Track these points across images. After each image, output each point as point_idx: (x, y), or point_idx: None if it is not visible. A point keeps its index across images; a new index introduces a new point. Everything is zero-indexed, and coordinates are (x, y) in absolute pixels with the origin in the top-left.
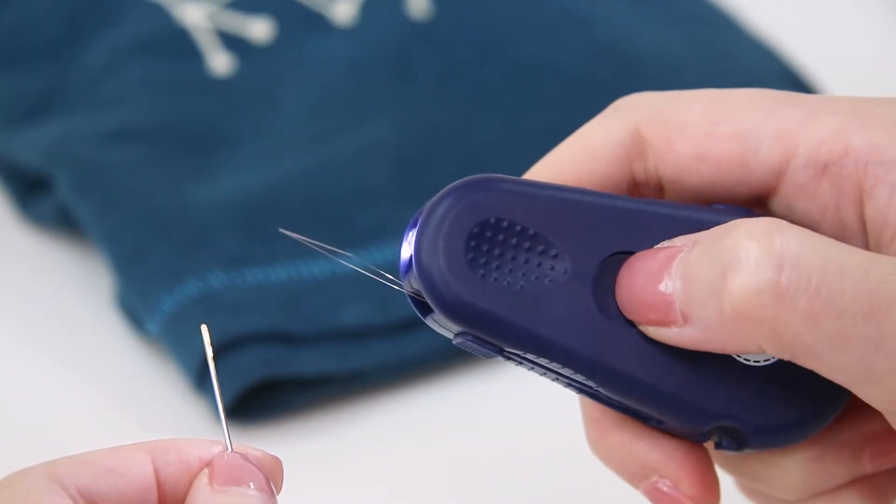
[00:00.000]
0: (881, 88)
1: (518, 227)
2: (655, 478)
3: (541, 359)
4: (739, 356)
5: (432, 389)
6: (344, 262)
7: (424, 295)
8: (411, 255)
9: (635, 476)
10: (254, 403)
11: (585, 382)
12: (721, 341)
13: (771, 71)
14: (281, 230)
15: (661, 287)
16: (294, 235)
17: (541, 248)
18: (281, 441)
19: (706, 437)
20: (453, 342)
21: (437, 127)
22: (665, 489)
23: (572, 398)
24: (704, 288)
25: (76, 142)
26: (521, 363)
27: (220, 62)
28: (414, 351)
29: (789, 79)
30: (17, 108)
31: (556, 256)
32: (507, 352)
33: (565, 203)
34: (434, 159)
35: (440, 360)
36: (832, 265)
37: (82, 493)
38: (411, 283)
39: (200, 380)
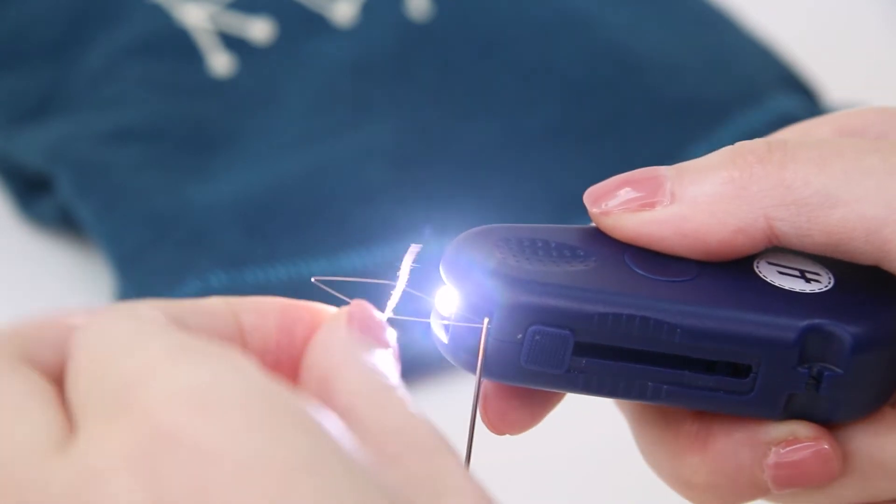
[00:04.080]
0: (881, 89)
1: (539, 241)
2: (773, 449)
3: (617, 326)
4: (794, 287)
5: (432, 389)
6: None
7: (483, 294)
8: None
9: (754, 465)
10: None
11: (667, 338)
12: (709, 215)
13: (771, 71)
14: (314, 280)
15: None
16: (325, 280)
17: (566, 252)
18: None
19: (801, 365)
20: (521, 362)
21: (437, 127)
22: (796, 447)
23: (570, 399)
24: (697, 164)
25: (77, 142)
26: (590, 363)
27: (220, 63)
28: (413, 351)
29: (789, 79)
30: (19, 108)
31: (581, 257)
32: (578, 344)
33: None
34: (434, 159)
35: (440, 360)
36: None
37: (174, 319)
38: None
39: None
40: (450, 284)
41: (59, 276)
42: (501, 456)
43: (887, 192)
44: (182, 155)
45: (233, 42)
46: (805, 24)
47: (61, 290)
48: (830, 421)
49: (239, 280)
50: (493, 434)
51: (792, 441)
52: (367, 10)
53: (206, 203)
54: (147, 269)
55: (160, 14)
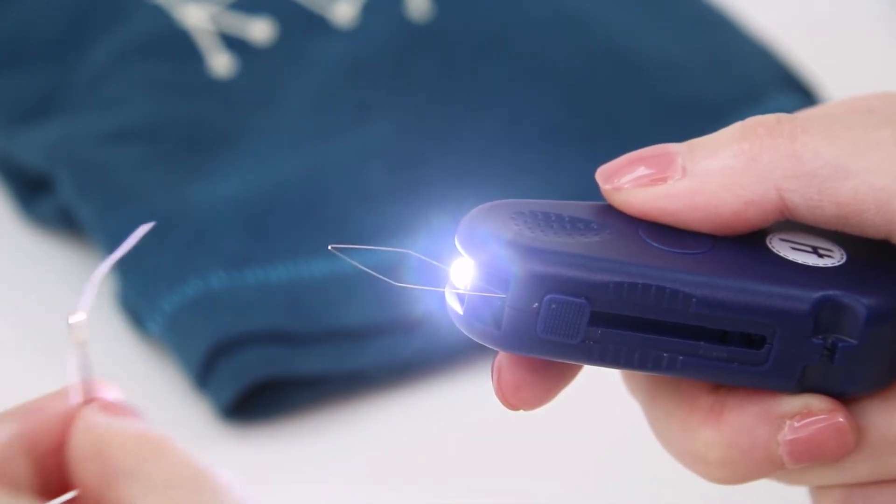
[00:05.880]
0: (880, 89)
1: (553, 214)
2: (788, 422)
3: (632, 295)
4: (808, 262)
5: (432, 389)
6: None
7: (500, 264)
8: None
9: (769, 439)
10: (254, 403)
11: (683, 308)
12: (721, 187)
13: (771, 71)
14: (330, 247)
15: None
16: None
17: (580, 225)
18: (281, 441)
19: (816, 337)
20: (537, 332)
21: (436, 127)
22: (811, 420)
23: (573, 398)
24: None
25: (78, 142)
26: (605, 333)
27: (220, 63)
28: (414, 351)
29: (789, 79)
30: (19, 108)
31: (596, 230)
32: (593, 314)
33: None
34: (434, 159)
35: (440, 360)
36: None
37: None
38: (475, 273)
39: (201, 379)
40: (465, 255)
41: (59, 276)
42: (503, 452)
43: None
44: (182, 155)
45: (233, 42)
46: (804, 24)
47: (61, 290)
48: (845, 394)
49: (239, 280)
50: (507, 410)
51: (807, 414)
52: (367, 11)
53: (207, 203)
54: (147, 269)
55: (161, 14)
